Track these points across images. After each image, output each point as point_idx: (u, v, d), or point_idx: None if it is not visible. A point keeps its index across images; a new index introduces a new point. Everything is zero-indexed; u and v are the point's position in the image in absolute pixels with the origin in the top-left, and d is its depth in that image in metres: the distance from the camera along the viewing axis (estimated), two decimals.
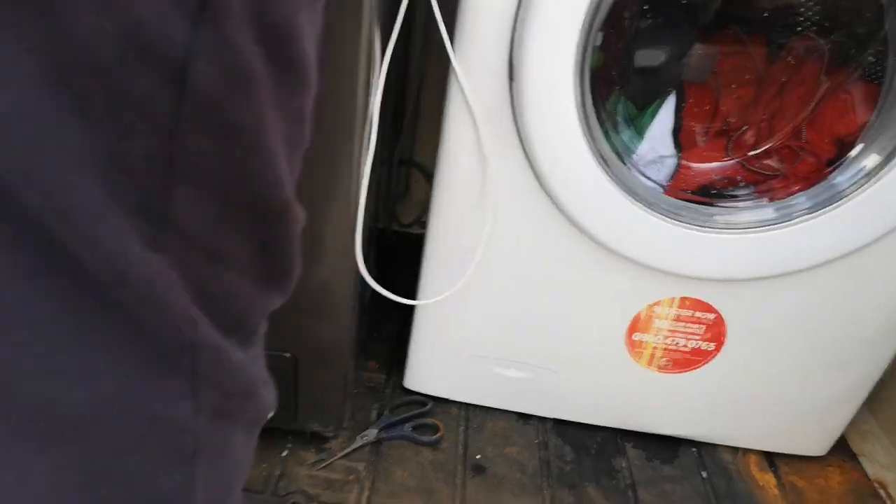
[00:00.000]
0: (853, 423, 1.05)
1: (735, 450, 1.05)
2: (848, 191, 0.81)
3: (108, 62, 0.23)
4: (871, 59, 0.82)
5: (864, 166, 0.80)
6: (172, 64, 0.24)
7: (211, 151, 0.27)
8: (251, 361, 0.36)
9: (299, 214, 0.35)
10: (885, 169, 0.77)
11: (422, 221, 1.20)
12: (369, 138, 0.75)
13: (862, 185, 0.79)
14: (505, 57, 0.76)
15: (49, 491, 0.30)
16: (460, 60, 0.77)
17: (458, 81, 0.78)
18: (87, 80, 0.23)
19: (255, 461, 0.66)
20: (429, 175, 1.14)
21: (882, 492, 1.01)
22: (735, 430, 1.03)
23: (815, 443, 1.04)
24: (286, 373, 0.87)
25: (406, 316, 1.00)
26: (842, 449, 1.07)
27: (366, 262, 0.81)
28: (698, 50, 0.92)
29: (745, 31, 0.89)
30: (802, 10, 0.84)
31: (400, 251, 1.32)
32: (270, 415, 0.40)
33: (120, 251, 0.26)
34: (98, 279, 0.26)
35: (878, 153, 0.80)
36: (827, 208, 0.81)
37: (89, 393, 0.30)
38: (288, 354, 0.85)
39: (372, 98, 0.74)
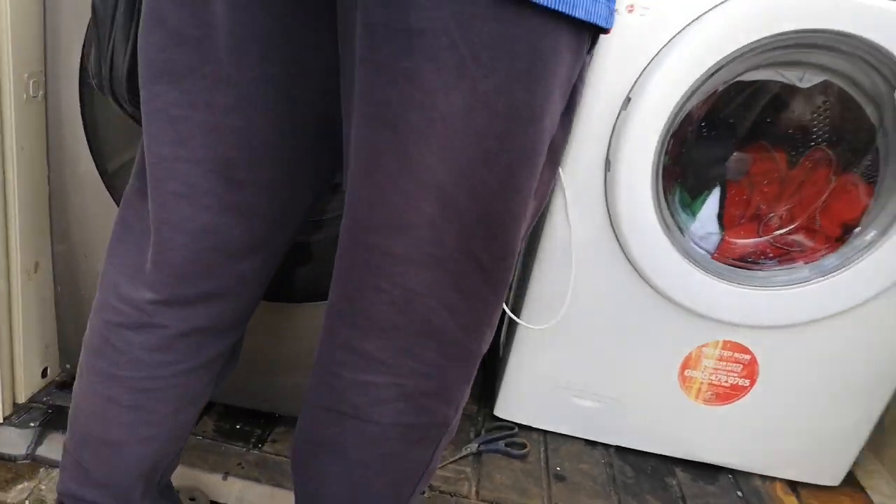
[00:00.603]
0: (861, 465, 1.29)
1: (763, 477, 1.27)
2: (851, 259, 1.08)
3: None
4: (867, 164, 1.12)
5: (865, 241, 1.08)
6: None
7: None
8: None
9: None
10: (880, 242, 1.05)
11: None
12: None
13: (862, 256, 1.07)
14: (603, 154, 1.05)
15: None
16: (573, 147, 1.06)
17: (565, 167, 1.07)
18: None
19: None
20: None
21: None
22: (764, 459, 1.26)
23: (830, 474, 1.26)
24: None
25: (488, 356, 1.24)
26: (852, 482, 1.29)
27: None
28: (737, 157, 1.22)
29: (772, 144, 1.20)
30: (815, 129, 1.15)
31: None
32: None
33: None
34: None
35: (876, 230, 1.08)
36: (835, 273, 1.09)
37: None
38: None
39: None
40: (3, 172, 0.97)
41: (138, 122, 0.66)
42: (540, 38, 0.50)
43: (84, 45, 0.90)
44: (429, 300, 0.60)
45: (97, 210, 1.03)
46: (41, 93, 0.97)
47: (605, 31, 0.55)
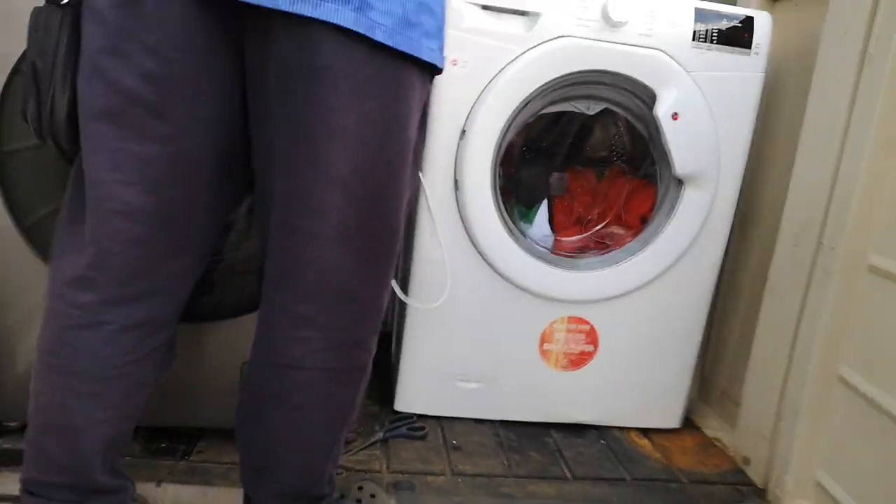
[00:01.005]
0: (695, 410, 1.61)
1: (621, 428, 1.55)
2: (648, 242, 1.42)
3: None
4: (650, 169, 1.48)
5: (656, 227, 1.43)
6: None
7: None
8: None
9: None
10: (665, 226, 1.40)
11: None
12: None
13: (655, 238, 1.41)
14: (452, 175, 1.34)
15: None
16: (428, 173, 1.34)
17: (425, 190, 1.35)
18: None
19: None
20: None
21: (717, 444, 1.54)
22: (617, 413, 1.54)
23: (670, 418, 1.56)
24: None
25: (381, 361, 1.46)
26: (690, 424, 1.60)
27: None
28: (557, 176, 1.56)
29: (582, 164, 1.55)
30: (613, 152, 1.51)
31: None
32: None
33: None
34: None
35: (662, 217, 1.43)
36: (638, 253, 1.42)
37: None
38: None
39: None
40: None
41: (71, 161, 0.85)
42: (401, 73, 0.78)
43: (22, 101, 1.07)
44: (343, 268, 0.83)
45: (16, 262, 1.16)
46: None
47: (439, 70, 0.84)
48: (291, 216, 0.81)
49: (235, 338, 1.25)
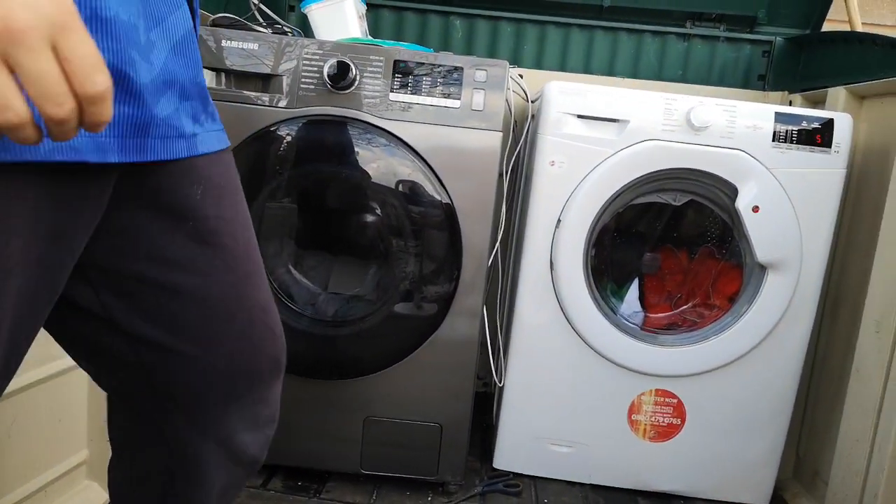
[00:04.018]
0: (787, 489, 1.64)
1: (707, 501, 1.62)
2: (734, 322, 1.52)
3: None
4: (738, 253, 1.59)
5: (741, 307, 1.53)
6: None
7: None
8: None
9: None
10: (750, 308, 1.50)
11: None
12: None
13: (741, 318, 1.51)
14: (548, 258, 1.53)
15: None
16: (525, 257, 1.53)
17: (522, 271, 1.54)
18: None
19: None
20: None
21: None
22: (704, 485, 1.61)
23: (757, 494, 1.61)
24: (434, 437, 1.49)
25: (480, 418, 1.63)
26: (779, 502, 1.64)
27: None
28: (650, 256, 1.70)
29: (675, 246, 1.68)
30: (707, 235, 1.64)
31: None
32: None
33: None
34: None
35: (747, 303, 1.53)
36: (724, 332, 1.52)
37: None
38: (436, 424, 1.49)
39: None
40: None
41: None
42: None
43: None
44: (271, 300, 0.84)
45: None
46: None
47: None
48: (247, 277, 0.83)
49: (360, 394, 1.48)
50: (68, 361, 1.27)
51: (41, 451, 1.24)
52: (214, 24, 1.44)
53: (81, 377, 1.30)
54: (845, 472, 1.41)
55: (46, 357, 1.22)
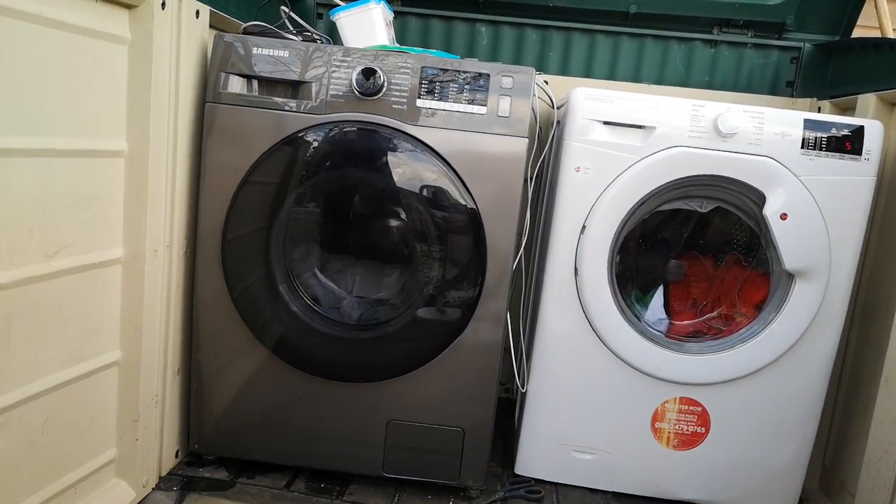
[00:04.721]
0: (813, 500, 1.62)
1: None
2: (760, 330, 1.51)
3: None
4: (766, 260, 1.57)
5: (768, 316, 1.52)
6: None
7: None
8: None
9: None
10: (776, 316, 1.49)
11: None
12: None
13: (767, 327, 1.50)
14: (572, 264, 1.52)
15: None
16: (550, 262, 1.53)
17: (547, 276, 1.54)
18: None
19: None
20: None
21: None
22: (728, 493, 1.59)
23: (784, 502, 1.59)
24: (456, 442, 1.49)
25: (502, 423, 1.63)
26: None
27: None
28: (675, 263, 1.69)
29: (700, 253, 1.67)
30: (733, 242, 1.63)
31: None
32: None
33: None
34: None
35: (774, 311, 1.52)
36: (750, 340, 1.51)
37: None
38: (458, 429, 1.49)
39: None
40: (168, 309, 1.44)
41: None
42: None
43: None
44: None
45: (224, 321, 1.48)
46: (191, 250, 1.48)
47: None
48: None
49: (383, 398, 1.49)
50: (99, 361, 1.29)
51: (71, 449, 1.26)
52: (245, 31, 1.47)
53: (111, 376, 1.33)
54: (873, 484, 1.39)
55: (78, 357, 1.24)
